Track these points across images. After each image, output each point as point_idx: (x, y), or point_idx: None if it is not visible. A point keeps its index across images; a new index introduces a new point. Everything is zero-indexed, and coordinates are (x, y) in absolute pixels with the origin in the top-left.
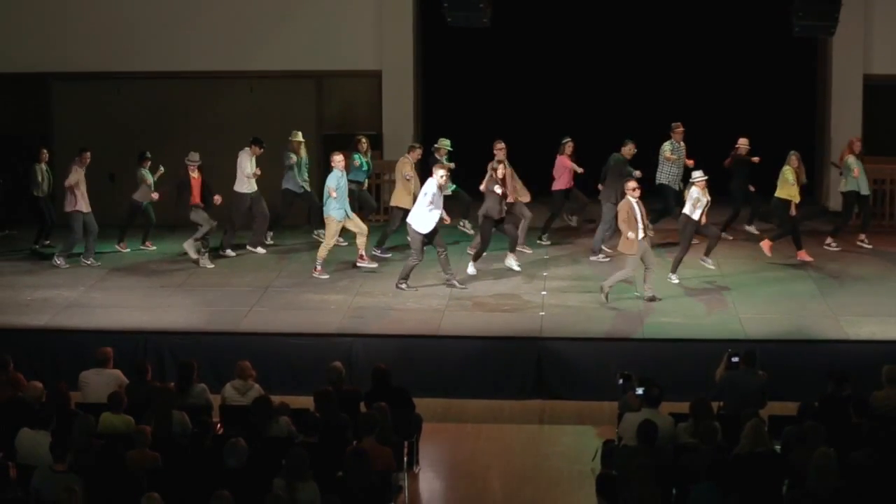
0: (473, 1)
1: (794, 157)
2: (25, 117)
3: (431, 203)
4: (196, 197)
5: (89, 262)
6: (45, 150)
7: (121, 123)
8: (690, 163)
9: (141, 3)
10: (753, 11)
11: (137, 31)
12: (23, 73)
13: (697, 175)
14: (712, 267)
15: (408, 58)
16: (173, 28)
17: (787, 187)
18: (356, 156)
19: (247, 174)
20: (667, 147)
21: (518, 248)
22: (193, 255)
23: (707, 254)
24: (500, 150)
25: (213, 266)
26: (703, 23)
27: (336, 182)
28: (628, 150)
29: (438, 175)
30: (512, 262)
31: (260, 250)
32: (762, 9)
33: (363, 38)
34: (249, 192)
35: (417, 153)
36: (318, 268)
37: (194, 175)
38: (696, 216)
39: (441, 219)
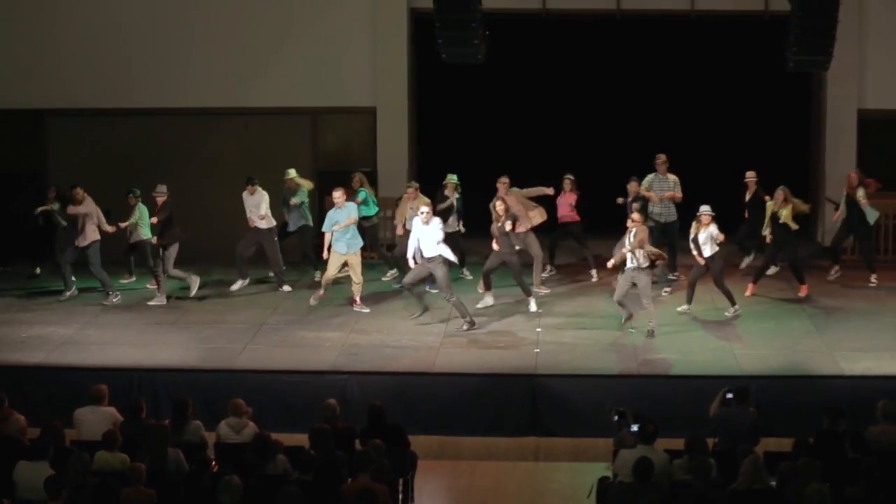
0: (468, 37)
1: (780, 192)
2: (20, 154)
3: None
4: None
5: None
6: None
7: (116, 160)
8: (655, 198)
9: (136, 39)
10: (748, 47)
11: (132, 68)
12: (18, 109)
13: (703, 210)
14: (730, 314)
15: (402, 94)
16: (168, 65)
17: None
18: (360, 192)
19: (261, 213)
20: (644, 183)
21: (535, 289)
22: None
23: (732, 303)
24: (501, 185)
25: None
26: (698, 57)
27: (342, 217)
28: (632, 187)
29: (420, 212)
30: (488, 299)
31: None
32: (757, 44)
33: (358, 75)
34: (266, 227)
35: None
36: (321, 292)
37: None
38: (706, 252)
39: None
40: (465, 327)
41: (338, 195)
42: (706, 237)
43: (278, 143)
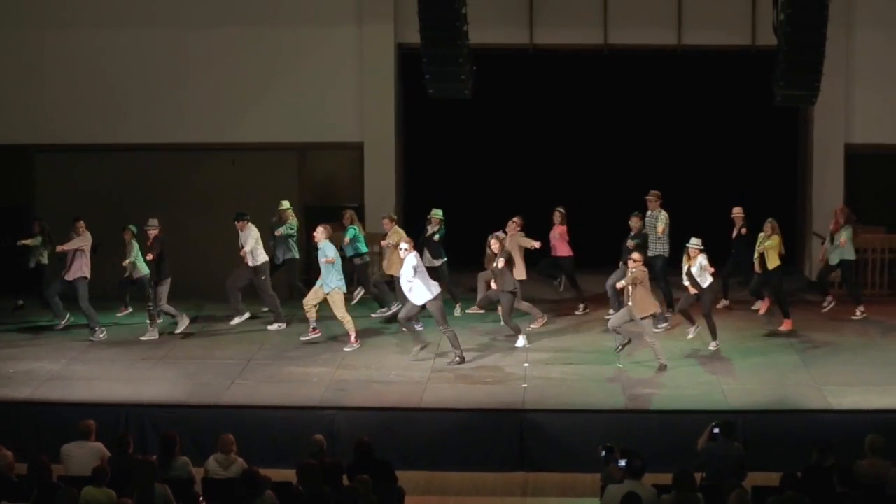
0: (455, 73)
1: (768, 225)
2: (8, 189)
3: (414, 276)
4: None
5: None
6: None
7: (103, 195)
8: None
9: (123, 75)
10: (735, 81)
11: (120, 103)
12: (5, 144)
13: (692, 243)
14: (713, 348)
15: (389, 129)
16: (156, 100)
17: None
18: (350, 229)
19: (246, 249)
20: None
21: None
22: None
23: (713, 337)
24: (511, 224)
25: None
26: (686, 92)
27: (333, 253)
28: (633, 222)
29: (401, 248)
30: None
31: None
32: (744, 78)
33: (345, 111)
34: (251, 265)
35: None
36: (352, 338)
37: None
38: (703, 284)
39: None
40: (455, 360)
41: (316, 232)
42: (699, 269)
43: (266, 179)
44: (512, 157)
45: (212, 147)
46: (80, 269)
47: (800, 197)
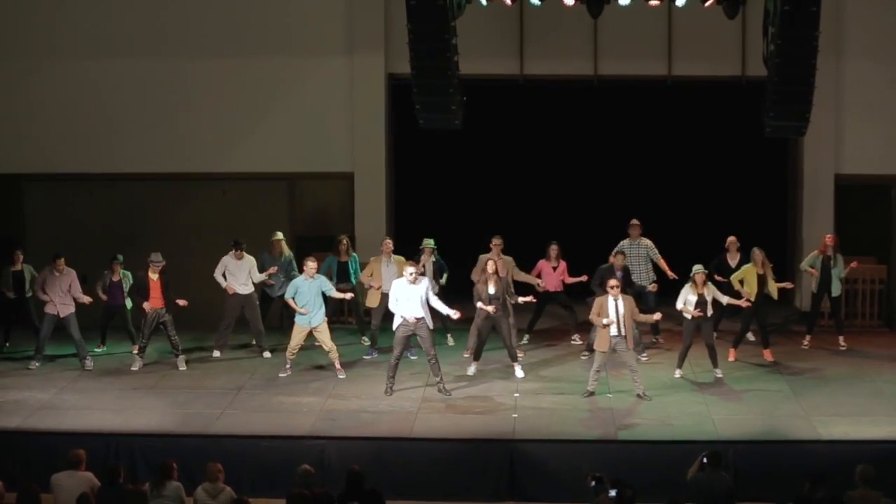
0: (445, 103)
1: (757, 252)
2: None
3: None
4: (156, 300)
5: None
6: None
7: (94, 225)
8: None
9: (114, 104)
10: (725, 112)
11: (110, 133)
12: None
13: (696, 269)
14: (720, 375)
15: (380, 159)
16: (146, 130)
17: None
18: (354, 256)
19: (254, 280)
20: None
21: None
22: (135, 367)
23: (714, 365)
24: (494, 245)
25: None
26: (676, 122)
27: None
28: (618, 260)
29: (408, 273)
30: (472, 368)
31: (216, 353)
32: (734, 109)
33: (336, 140)
34: (242, 293)
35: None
36: (337, 366)
37: (153, 277)
38: (686, 314)
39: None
40: (441, 389)
41: (311, 266)
42: (711, 300)
43: (256, 209)
44: (502, 187)
45: (202, 177)
46: (68, 302)
47: (789, 228)
